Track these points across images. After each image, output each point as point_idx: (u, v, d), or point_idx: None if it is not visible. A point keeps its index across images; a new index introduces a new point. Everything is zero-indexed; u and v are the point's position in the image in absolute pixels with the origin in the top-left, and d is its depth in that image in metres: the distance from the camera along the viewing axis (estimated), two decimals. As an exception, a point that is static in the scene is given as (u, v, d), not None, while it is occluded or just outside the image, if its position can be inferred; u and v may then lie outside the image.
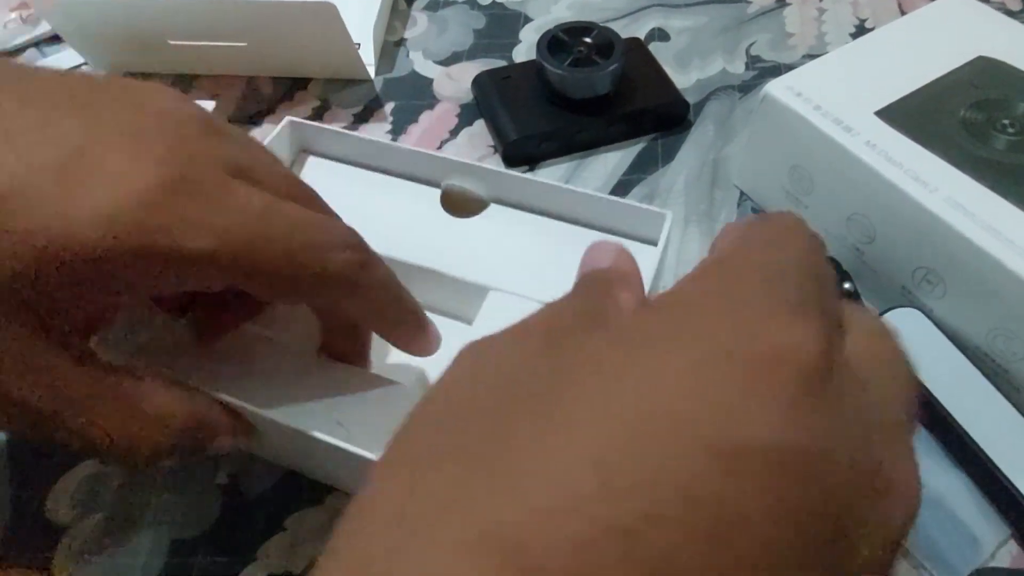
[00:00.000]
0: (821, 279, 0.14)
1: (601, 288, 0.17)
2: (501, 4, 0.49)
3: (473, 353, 0.15)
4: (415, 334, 0.25)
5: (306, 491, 0.28)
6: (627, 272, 0.18)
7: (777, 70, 0.44)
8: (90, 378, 0.20)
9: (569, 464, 0.11)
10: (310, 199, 0.23)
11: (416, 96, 0.44)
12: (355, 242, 0.22)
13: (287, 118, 0.34)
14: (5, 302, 0.18)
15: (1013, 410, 0.28)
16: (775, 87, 0.33)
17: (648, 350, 0.13)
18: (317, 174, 0.35)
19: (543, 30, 0.40)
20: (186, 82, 0.45)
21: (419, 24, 0.48)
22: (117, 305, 0.21)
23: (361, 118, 0.43)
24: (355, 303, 0.22)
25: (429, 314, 0.25)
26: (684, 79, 0.43)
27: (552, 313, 0.15)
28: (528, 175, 0.36)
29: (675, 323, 0.13)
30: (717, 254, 0.16)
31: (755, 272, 0.14)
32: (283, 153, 0.35)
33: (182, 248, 0.18)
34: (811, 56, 0.44)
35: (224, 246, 0.19)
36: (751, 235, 0.16)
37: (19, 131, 0.18)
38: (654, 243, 0.29)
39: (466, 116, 0.42)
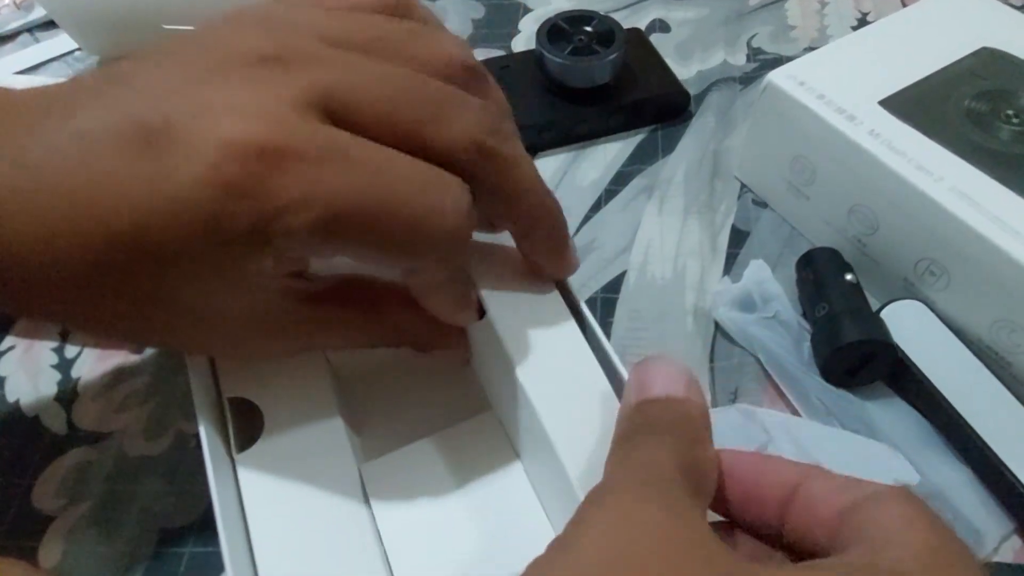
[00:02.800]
0: None
1: (688, 452, 0.15)
2: (500, -6, 0.49)
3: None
4: (560, 249, 0.23)
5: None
6: (704, 418, 0.17)
7: (778, 62, 0.43)
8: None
9: None
10: (417, 132, 0.19)
11: (414, 85, 0.43)
12: (465, 188, 0.19)
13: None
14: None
15: (1016, 403, 0.27)
16: (778, 76, 0.33)
17: None
18: None
19: (542, 20, 0.40)
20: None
21: (417, 14, 0.48)
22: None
23: (358, 107, 0.42)
24: (459, 260, 0.21)
25: None
26: (685, 71, 0.43)
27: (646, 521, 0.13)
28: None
29: None
30: None
31: None
32: None
33: (282, 227, 0.17)
34: (812, 49, 0.43)
35: (326, 219, 0.17)
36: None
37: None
38: None
39: (464, 106, 0.42)
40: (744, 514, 0.17)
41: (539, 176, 0.21)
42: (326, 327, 0.23)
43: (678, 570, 0.12)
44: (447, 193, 0.18)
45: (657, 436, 0.16)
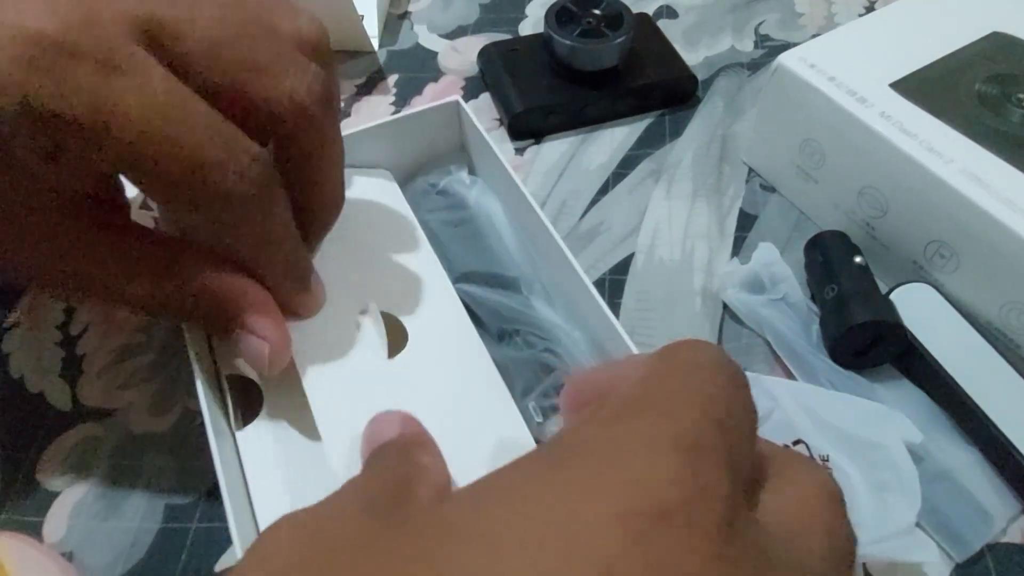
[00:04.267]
0: (729, 422, 0.13)
1: (398, 470, 0.17)
2: (507, -21, 0.49)
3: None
4: (298, 290, 0.23)
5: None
6: (420, 442, 0.18)
7: (786, 49, 0.43)
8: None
9: None
10: (241, 80, 0.19)
11: (420, 69, 0.43)
12: (262, 161, 0.19)
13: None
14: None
15: (1025, 385, 0.27)
16: (788, 58, 0.33)
17: (474, 544, 0.11)
18: None
19: (551, 3, 0.40)
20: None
21: (424, -3, 0.48)
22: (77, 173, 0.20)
23: (364, 90, 0.42)
24: (245, 231, 0.20)
25: None
26: (692, 56, 0.43)
27: (347, 517, 0.14)
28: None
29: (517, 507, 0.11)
30: (612, 398, 0.14)
31: (643, 413, 0.12)
32: None
33: (62, 113, 0.16)
34: (820, 36, 0.43)
35: (110, 123, 0.17)
36: (652, 371, 0.14)
37: None
38: None
39: (471, 89, 0.42)
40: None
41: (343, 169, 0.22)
42: (112, 259, 0.21)
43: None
44: (238, 153, 0.18)
45: (373, 463, 0.18)
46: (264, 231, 0.20)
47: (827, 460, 0.26)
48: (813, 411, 0.27)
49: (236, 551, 0.18)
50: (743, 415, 0.14)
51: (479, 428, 0.22)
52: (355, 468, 0.19)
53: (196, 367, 0.23)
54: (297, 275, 0.23)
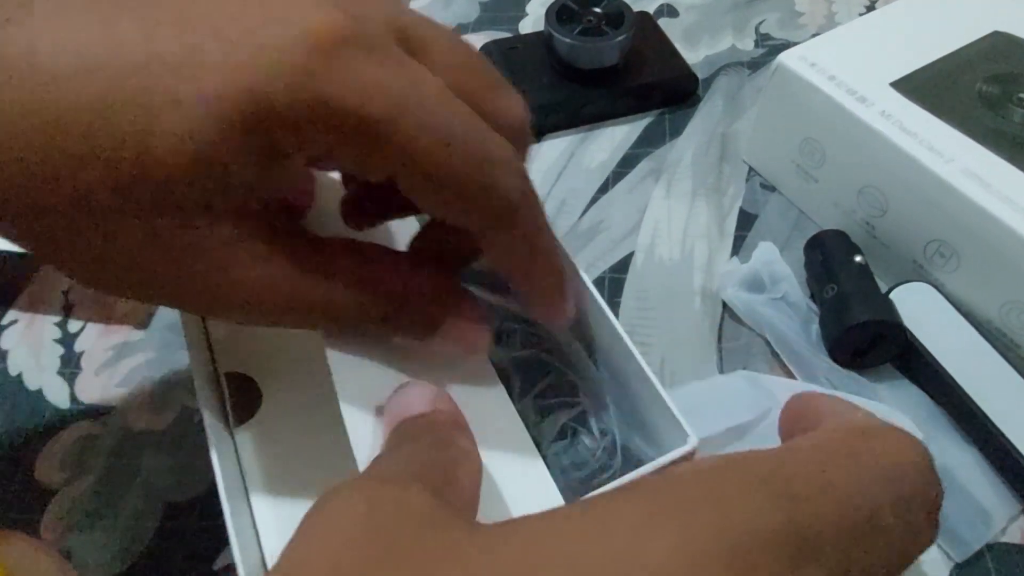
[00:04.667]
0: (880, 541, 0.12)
1: (444, 454, 0.16)
2: (507, -23, 0.48)
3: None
4: (554, 297, 0.21)
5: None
6: (458, 423, 0.18)
7: (786, 48, 0.43)
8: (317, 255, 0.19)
9: None
10: (483, 98, 0.18)
11: (420, 67, 0.43)
12: (523, 170, 0.19)
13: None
14: (208, 195, 0.16)
15: (1025, 385, 0.27)
16: (788, 57, 0.33)
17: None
18: None
19: (551, 1, 0.40)
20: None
21: (424, -4, 0.48)
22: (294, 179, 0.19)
23: (364, 87, 0.42)
24: (507, 238, 0.19)
25: None
26: (693, 55, 0.43)
27: (377, 504, 0.13)
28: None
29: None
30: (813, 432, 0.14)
31: (773, 483, 0.12)
32: None
33: (357, 108, 0.16)
34: (821, 35, 0.43)
35: (399, 118, 0.16)
36: (825, 438, 0.14)
37: None
38: None
39: (471, 87, 0.42)
40: None
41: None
42: (309, 280, 0.19)
43: (358, 558, 0.12)
44: (512, 151, 0.18)
45: (407, 443, 0.17)
46: (539, 236, 0.19)
47: None
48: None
49: (233, 549, 0.18)
50: (907, 540, 0.13)
51: (476, 428, 0.22)
52: (369, 436, 0.19)
53: (194, 364, 0.23)
54: (560, 282, 0.21)
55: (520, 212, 0.18)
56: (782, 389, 0.28)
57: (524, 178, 0.18)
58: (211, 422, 0.22)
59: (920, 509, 0.13)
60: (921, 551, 0.13)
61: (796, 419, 0.16)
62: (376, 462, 0.16)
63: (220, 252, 0.17)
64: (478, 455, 0.17)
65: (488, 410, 0.23)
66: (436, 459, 0.16)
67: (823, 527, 0.11)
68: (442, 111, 0.17)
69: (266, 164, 0.16)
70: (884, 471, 0.13)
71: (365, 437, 0.19)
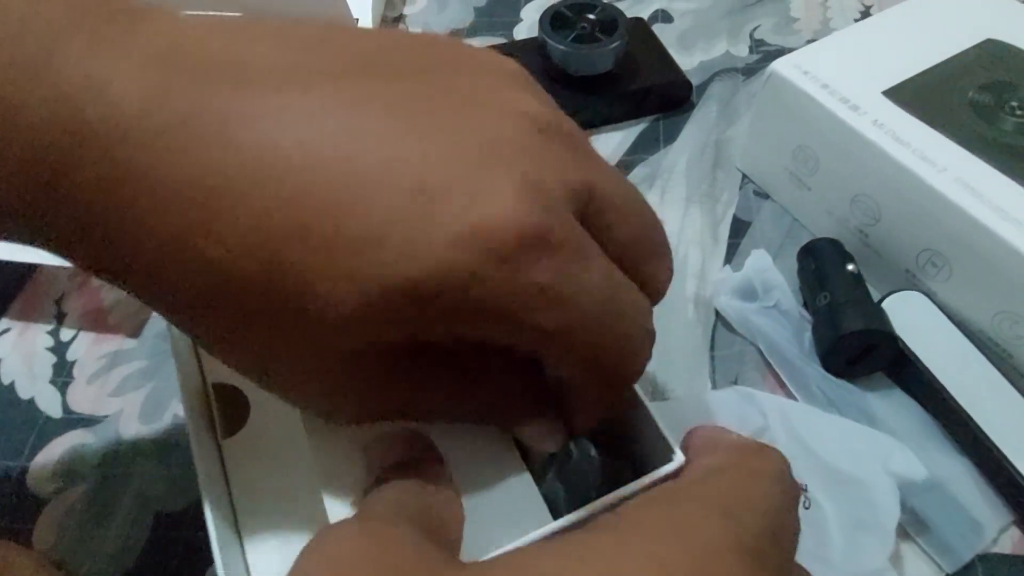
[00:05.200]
0: (781, 534, 0.15)
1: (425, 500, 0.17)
2: (503, -18, 0.48)
3: None
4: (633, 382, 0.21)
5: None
6: (436, 473, 0.19)
7: (781, 54, 0.42)
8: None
9: None
10: (645, 264, 0.18)
11: (415, 72, 0.43)
12: (653, 333, 0.18)
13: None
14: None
15: (1017, 395, 0.27)
16: (782, 65, 0.33)
17: None
18: None
19: (545, 8, 0.40)
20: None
21: (419, 1, 0.48)
22: None
23: (358, 93, 0.42)
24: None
25: None
26: (687, 61, 0.43)
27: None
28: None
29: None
30: (681, 478, 0.17)
31: (716, 505, 0.14)
32: None
33: (524, 319, 0.15)
34: (815, 42, 0.43)
35: (565, 331, 0.15)
36: (729, 462, 0.16)
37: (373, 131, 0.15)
38: None
39: (465, 93, 0.42)
40: None
41: None
42: (417, 390, 0.19)
43: None
44: (651, 334, 0.18)
45: (393, 489, 0.17)
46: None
47: (805, 490, 0.26)
48: (801, 438, 0.26)
49: (217, 563, 0.18)
50: (792, 530, 0.15)
51: (464, 442, 0.22)
52: (344, 478, 0.19)
53: (181, 376, 0.23)
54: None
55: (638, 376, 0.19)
56: (775, 411, 0.28)
57: (650, 357, 0.18)
58: (196, 435, 0.22)
59: (795, 502, 0.16)
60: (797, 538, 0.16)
61: (697, 449, 0.18)
62: (367, 504, 0.17)
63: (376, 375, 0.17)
64: (459, 500, 0.18)
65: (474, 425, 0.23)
66: (423, 503, 0.16)
67: (760, 535, 0.14)
68: (609, 312, 0.16)
69: (413, 336, 0.16)
70: (774, 478, 0.16)
71: (341, 491, 0.19)
